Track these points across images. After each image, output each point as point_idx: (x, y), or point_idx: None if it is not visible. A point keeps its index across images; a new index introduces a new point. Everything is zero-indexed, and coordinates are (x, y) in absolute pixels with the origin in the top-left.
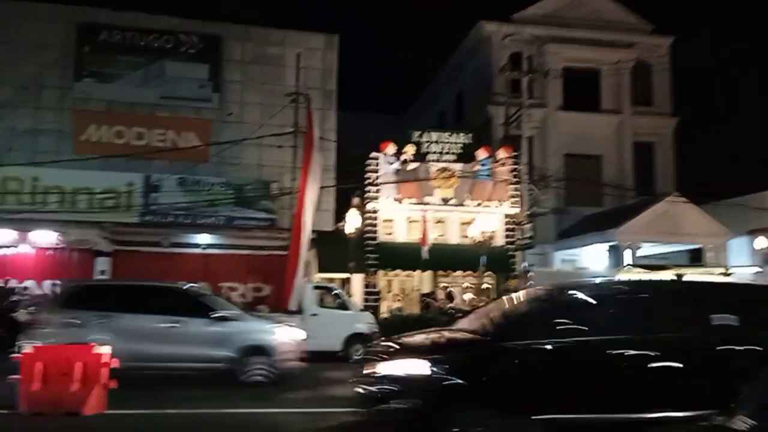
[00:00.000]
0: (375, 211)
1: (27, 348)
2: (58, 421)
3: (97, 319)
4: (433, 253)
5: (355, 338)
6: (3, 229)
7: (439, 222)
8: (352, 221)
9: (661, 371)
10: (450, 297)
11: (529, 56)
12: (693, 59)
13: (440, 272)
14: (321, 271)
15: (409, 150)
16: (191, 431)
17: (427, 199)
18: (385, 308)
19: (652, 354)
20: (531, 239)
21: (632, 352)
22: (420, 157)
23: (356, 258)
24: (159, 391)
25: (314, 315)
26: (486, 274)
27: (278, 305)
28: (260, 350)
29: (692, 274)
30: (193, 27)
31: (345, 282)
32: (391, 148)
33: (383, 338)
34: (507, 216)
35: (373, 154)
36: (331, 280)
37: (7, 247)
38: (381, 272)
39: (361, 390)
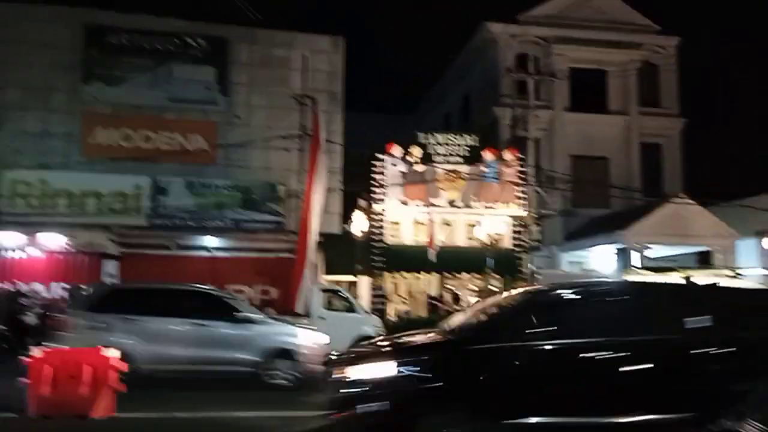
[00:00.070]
0: (381, 213)
1: (36, 351)
2: (66, 423)
3: (123, 322)
4: (440, 255)
5: (362, 341)
6: (11, 233)
7: (445, 224)
8: (359, 223)
9: (635, 374)
10: (457, 299)
11: (536, 57)
12: (700, 60)
13: (447, 274)
14: (328, 273)
15: (415, 152)
16: None
17: (433, 201)
18: (392, 311)
19: (626, 357)
20: (538, 241)
21: (606, 354)
22: (426, 158)
23: (363, 260)
24: (169, 394)
25: (321, 318)
26: (493, 276)
27: (285, 308)
28: (285, 354)
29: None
30: (200, 29)
31: (352, 284)
32: (396, 150)
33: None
34: (514, 218)
35: (379, 156)
36: (338, 282)
37: (16, 250)
38: (388, 274)
39: (331, 393)
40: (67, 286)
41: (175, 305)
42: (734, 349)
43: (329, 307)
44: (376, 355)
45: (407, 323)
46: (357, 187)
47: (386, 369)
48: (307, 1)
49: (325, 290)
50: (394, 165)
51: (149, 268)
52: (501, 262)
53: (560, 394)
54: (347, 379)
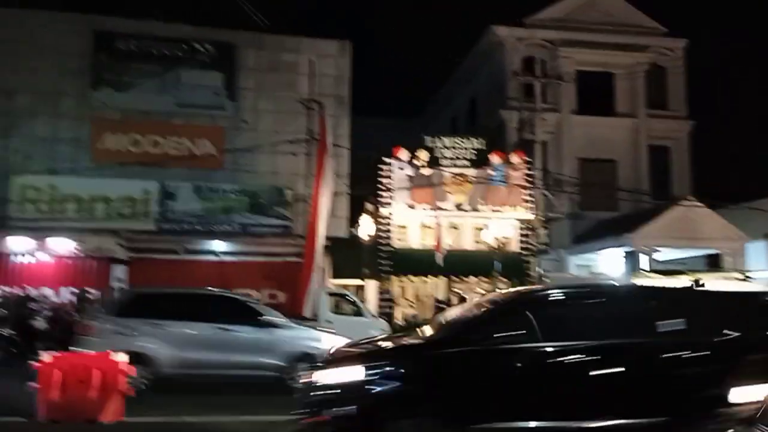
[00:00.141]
0: (388, 217)
1: (45, 356)
2: (76, 428)
3: (149, 326)
4: (447, 258)
5: None
6: (21, 237)
7: (453, 228)
8: (366, 227)
9: (605, 378)
10: (464, 303)
11: (542, 60)
12: (708, 62)
13: (454, 278)
14: (335, 277)
15: (422, 155)
16: None
17: (440, 204)
18: (399, 314)
19: (597, 360)
20: (546, 244)
21: (577, 358)
22: (433, 162)
23: (370, 264)
24: (180, 397)
25: (329, 322)
26: (501, 279)
27: (293, 312)
28: (309, 358)
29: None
30: (207, 35)
31: (359, 288)
32: (403, 154)
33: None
34: (521, 221)
35: (386, 160)
36: (346, 286)
37: (25, 254)
38: (395, 278)
39: (301, 397)
40: (76, 291)
41: (200, 310)
42: (708, 352)
43: (337, 311)
44: (345, 359)
45: (414, 327)
46: (364, 190)
47: (354, 373)
48: (314, 6)
49: (332, 294)
50: (401, 168)
51: (157, 272)
52: (508, 266)
53: (529, 399)
54: (316, 383)
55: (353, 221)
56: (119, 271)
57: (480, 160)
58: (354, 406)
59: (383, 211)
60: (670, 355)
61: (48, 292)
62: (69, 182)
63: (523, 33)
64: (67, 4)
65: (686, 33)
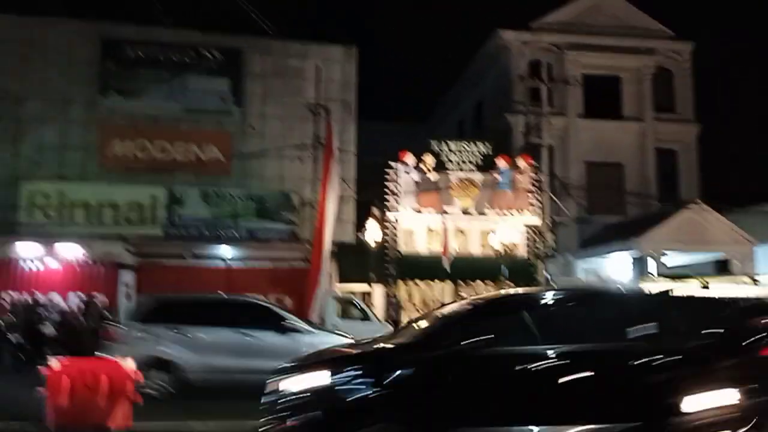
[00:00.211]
0: (395, 222)
1: (54, 362)
2: None
3: (172, 332)
4: (453, 263)
5: None
6: (29, 243)
7: (459, 232)
8: (372, 232)
9: (574, 383)
10: None
11: (549, 64)
12: (715, 64)
13: (461, 283)
14: (342, 282)
15: (429, 160)
16: None
17: (447, 209)
18: (406, 319)
19: (566, 365)
20: (553, 249)
21: (545, 363)
22: (439, 166)
23: (377, 269)
24: (186, 404)
25: (335, 327)
26: (507, 284)
27: (300, 317)
28: None
29: (718, 284)
30: (214, 41)
31: (366, 294)
32: (410, 158)
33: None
34: (528, 225)
35: (393, 164)
36: (352, 291)
37: (33, 260)
38: (401, 283)
39: (266, 404)
40: (84, 297)
41: (223, 315)
42: (680, 357)
43: (343, 315)
44: (313, 364)
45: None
46: (370, 195)
47: (321, 378)
48: (320, 10)
49: (339, 299)
50: (408, 173)
51: (165, 278)
52: (515, 271)
53: (496, 405)
54: (282, 390)
55: (360, 226)
56: (127, 277)
57: (486, 165)
58: (318, 413)
59: (390, 215)
60: (641, 360)
61: (56, 297)
62: (77, 188)
63: (529, 37)
64: (75, 11)
65: (693, 35)
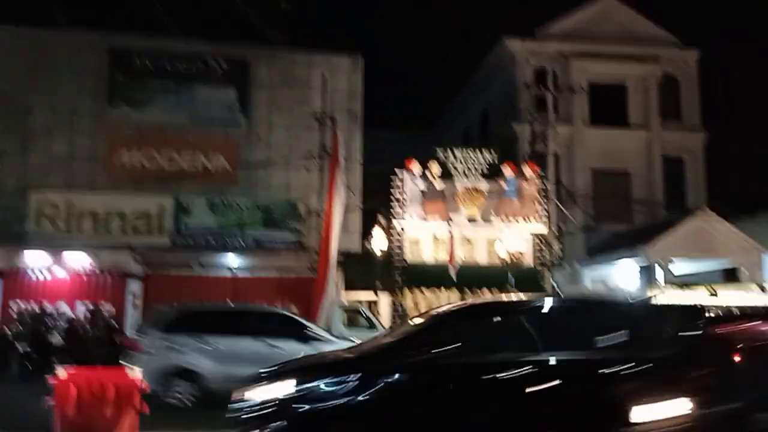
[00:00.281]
0: (401, 230)
1: (61, 371)
2: None
3: (195, 342)
4: (460, 272)
5: None
6: (37, 252)
7: (466, 240)
8: (379, 241)
9: (540, 394)
10: None
11: (554, 72)
12: (721, 72)
13: (468, 291)
14: (348, 291)
15: (435, 168)
16: None
17: (453, 217)
18: None
19: (533, 375)
20: (560, 257)
21: (511, 374)
22: (445, 174)
23: (383, 278)
24: (192, 413)
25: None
26: (514, 293)
27: None
28: None
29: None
30: (221, 51)
31: (372, 303)
32: (416, 167)
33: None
34: (534, 234)
35: (399, 173)
36: (359, 300)
37: (41, 270)
38: (408, 292)
39: (232, 413)
40: (90, 306)
41: (245, 325)
42: (651, 365)
43: (350, 324)
44: (279, 373)
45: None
46: (376, 204)
47: (285, 388)
48: (326, 18)
49: (345, 308)
50: (413, 181)
51: (172, 287)
52: (522, 279)
53: (455, 417)
54: (247, 400)
55: (366, 235)
56: (134, 286)
57: (492, 173)
58: (283, 422)
59: (396, 224)
60: (607, 370)
61: (64, 307)
62: (85, 198)
63: (534, 46)
64: (83, 22)
65: (699, 43)
